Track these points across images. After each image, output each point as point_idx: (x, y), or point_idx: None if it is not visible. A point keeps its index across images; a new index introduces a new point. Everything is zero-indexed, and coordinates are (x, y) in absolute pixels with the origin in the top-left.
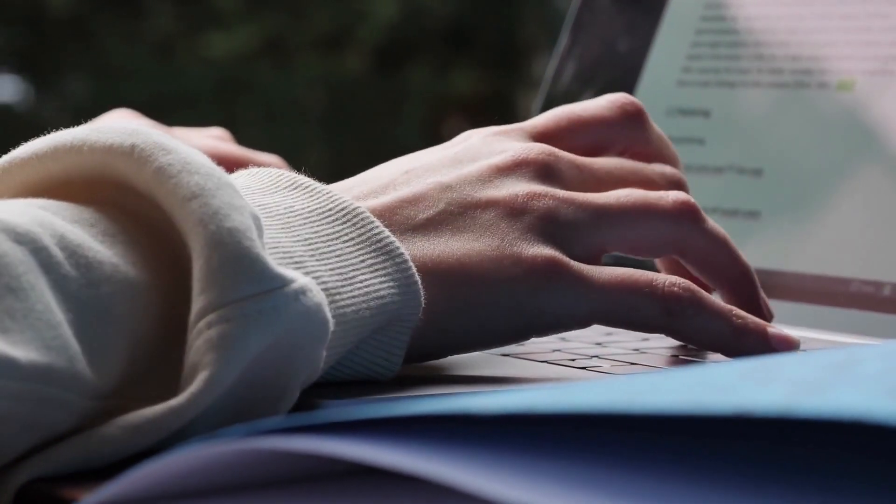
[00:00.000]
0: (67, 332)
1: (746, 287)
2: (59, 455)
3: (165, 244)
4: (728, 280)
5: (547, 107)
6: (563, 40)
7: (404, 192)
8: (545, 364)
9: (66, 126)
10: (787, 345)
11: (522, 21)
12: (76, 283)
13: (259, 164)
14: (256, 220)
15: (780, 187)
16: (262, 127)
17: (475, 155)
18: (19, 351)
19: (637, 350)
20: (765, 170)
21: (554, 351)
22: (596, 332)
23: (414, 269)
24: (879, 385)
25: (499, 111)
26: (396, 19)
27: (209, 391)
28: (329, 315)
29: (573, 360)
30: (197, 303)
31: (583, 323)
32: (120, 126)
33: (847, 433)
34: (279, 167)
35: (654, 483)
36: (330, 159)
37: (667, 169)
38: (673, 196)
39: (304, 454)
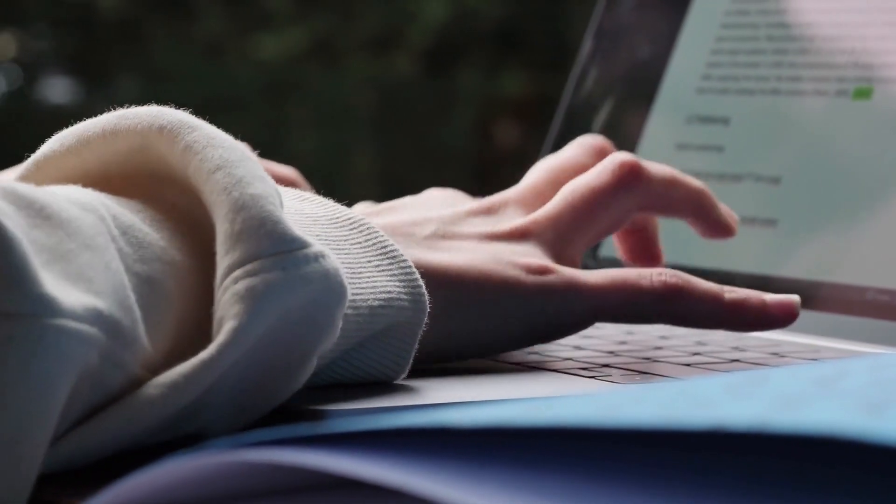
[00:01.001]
0: (132, 297)
1: (705, 207)
2: (103, 424)
3: (200, 231)
4: (688, 209)
5: (569, 114)
6: (586, 47)
7: (395, 216)
8: (555, 373)
9: None
10: (787, 307)
11: (572, 22)
12: (131, 257)
13: (274, 175)
14: (278, 192)
15: (798, 195)
16: (311, 129)
17: (443, 205)
18: (102, 302)
19: (648, 359)
20: (783, 178)
21: (566, 360)
22: (608, 341)
23: (417, 274)
24: (858, 400)
25: (548, 113)
26: (446, 21)
27: (237, 341)
28: (346, 281)
29: (584, 368)
30: (222, 264)
31: (585, 322)
32: (145, 110)
33: (838, 447)
34: (294, 180)
35: (636, 496)
36: (379, 161)
37: (591, 139)
38: (610, 165)
39: (290, 466)
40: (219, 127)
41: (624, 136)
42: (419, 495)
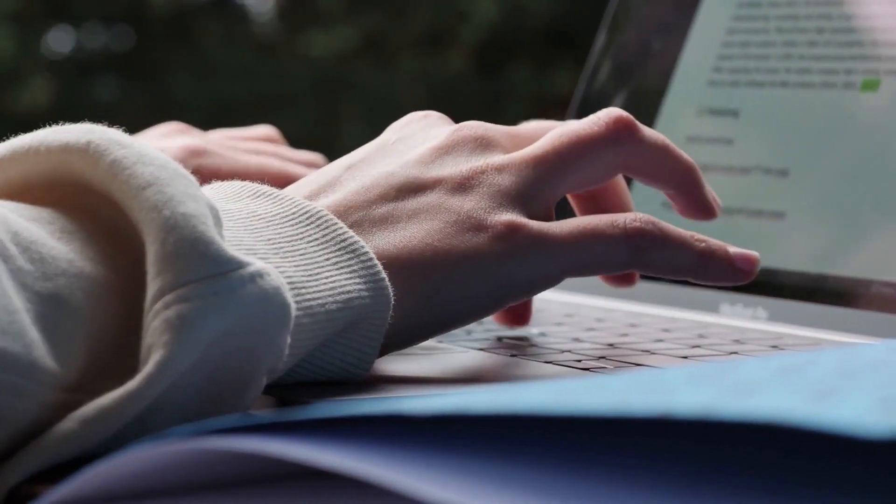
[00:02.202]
0: (25, 319)
1: (692, 184)
2: (25, 459)
3: (123, 241)
4: (675, 181)
5: (583, 106)
6: (600, 40)
7: (351, 186)
8: (549, 365)
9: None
10: (749, 260)
11: None
12: (31, 275)
13: (300, 162)
14: (213, 210)
15: (805, 188)
16: (362, 125)
17: (412, 141)
18: None
19: (647, 351)
20: (791, 170)
21: (563, 352)
22: (610, 332)
23: (380, 267)
24: (812, 387)
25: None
26: (497, 18)
27: (164, 372)
28: (289, 299)
29: (579, 360)
30: (152, 286)
31: (555, 280)
32: (77, 126)
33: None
34: (318, 164)
35: (591, 485)
36: None
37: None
38: (605, 117)
39: (252, 455)
40: (270, 123)
41: None
42: (375, 483)
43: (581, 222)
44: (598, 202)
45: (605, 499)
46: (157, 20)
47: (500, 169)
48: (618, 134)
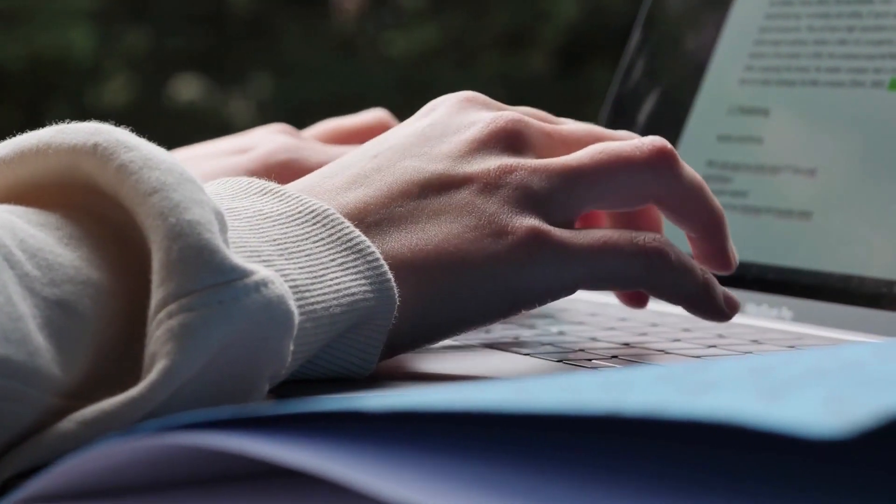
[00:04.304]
0: (30, 326)
1: (718, 233)
2: (19, 456)
3: (131, 246)
4: (702, 224)
5: (617, 104)
6: (634, 38)
7: (375, 182)
8: (560, 363)
9: (252, 124)
10: (733, 306)
11: None
12: (38, 281)
13: (361, 126)
14: (219, 215)
15: (832, 188)
16: None
17: (443, 130)
18: None
19: (662, 351)
20: (818, 170)
21: (577, 351)
22: (629, 332)
23: (386, 268)
24: (769, 388)
25: None
26: (577, 18)
27: (168, 381)
28: (293, 307)
29: (590, 360)
30: (157, 294)
31: (570, 290)
32: (84, 126)
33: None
34: (384, 120)
35: (547, 484)
36: None
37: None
38: (648, 144)
39: (216, 451)
40: None
41: (668, 126)
42: (333, 480)
43: (601, 235)
44: (628, 218)
45: (567, 497)
46: (238, 19)
47: (532, 172)
48: (657, 162)
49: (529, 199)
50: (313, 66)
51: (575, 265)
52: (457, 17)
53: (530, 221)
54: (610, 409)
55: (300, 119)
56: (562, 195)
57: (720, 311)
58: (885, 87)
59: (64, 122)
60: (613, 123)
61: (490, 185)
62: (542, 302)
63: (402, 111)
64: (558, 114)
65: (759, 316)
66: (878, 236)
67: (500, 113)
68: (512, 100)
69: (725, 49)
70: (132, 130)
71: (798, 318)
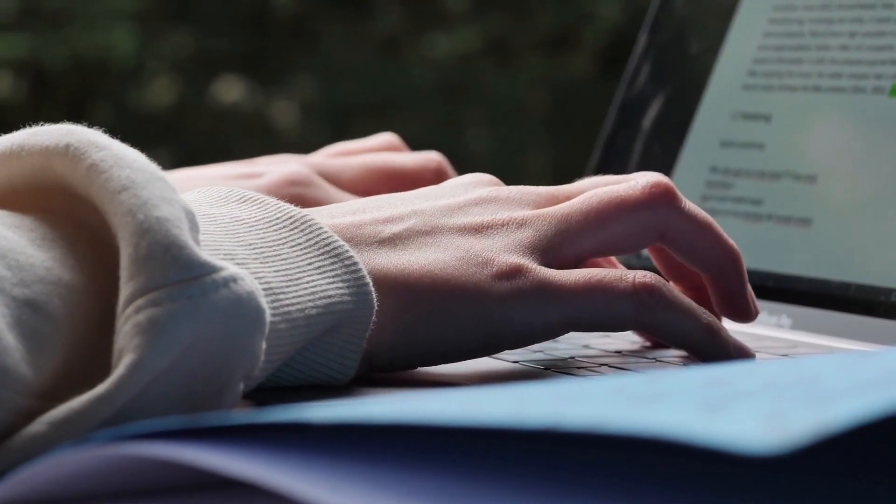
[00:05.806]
0: (0, 324)
1: (733, 273)
2: None
3: (103, 246)
4: (713, 264)
5: (622, 109)
6: (640, 43)
7: (375, 213)
8: (547, 371)
9: (295, 125)
10: (743, 353)
11: None
12: (8, 281)
13: (412, 163)
14: (189, 214)
15: (833, 194)
16: (485, 128)
17: (450, 193)
18: None
19: (653, 359)
20: (819, 176)
21: (568, 359)
22: (624, 340)
23: (365, 273)
24: (712, 401)
25: None
26: (620, 20)
27: (136, 376)
28: (264, 304)
29: (579, 368)
30: (125, 290)
31: (556, 330)
32: (57, 127)
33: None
34: (430, 164)
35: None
36: (552, 161)
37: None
38: (642, 180)
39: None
40: (391, 126)
41: (672, 131)
42: (276, 490)
43: (589, 273)
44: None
45: None
46: (280, 20)
47: (521, 223)
48: (653, 199)
49: (517, 243)
50: (356, 67)
51: (560, 303)
52: (499, 18)
53: (516, 259)
54: (549, 423)
55: (343, 121)
56: (552, 241)
57: (723, 357)
58: (886, 94)
59: (104, 125)
60: (619, 128)
61: (478, 230)
62: (527, 342)
63: (445, 113)
64: (601, 116)
65: (758, 324)
66: (879, 244)
67: (510, 187)
68: (555, 102)
69: (729, 55)
70: (175, 132)
71: (797, 325)
